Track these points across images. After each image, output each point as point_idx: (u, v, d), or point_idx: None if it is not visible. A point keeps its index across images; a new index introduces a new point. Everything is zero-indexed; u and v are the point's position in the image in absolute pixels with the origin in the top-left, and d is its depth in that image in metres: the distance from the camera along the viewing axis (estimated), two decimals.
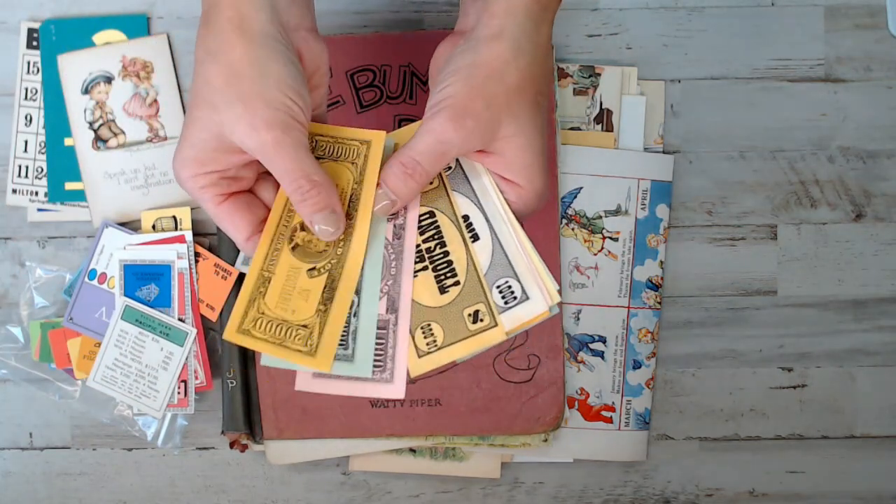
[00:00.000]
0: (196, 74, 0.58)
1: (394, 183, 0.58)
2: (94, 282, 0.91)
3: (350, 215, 0.58)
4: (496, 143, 0.59)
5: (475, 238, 0.58)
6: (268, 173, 0.60)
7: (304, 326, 0.57)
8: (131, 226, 0.92)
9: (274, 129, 0.55)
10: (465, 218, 0.60)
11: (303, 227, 0.58)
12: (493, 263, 0.58)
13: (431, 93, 0.60)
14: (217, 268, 0.91)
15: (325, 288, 0.57)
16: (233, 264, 0.91)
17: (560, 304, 0.91)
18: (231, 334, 0.57)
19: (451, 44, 0.63)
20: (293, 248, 0.59)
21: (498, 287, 0.58)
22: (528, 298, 0.58)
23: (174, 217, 0.92)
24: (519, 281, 0.58)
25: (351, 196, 0.58)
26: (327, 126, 0.62)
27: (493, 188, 0.60)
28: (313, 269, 0.58)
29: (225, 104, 0.55)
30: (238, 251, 0.91)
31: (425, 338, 0.58)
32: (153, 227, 0.91)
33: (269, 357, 0.58)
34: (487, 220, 0.59)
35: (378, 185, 0.59)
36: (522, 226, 0.60)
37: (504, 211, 0.59)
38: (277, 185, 0.61)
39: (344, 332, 0.56)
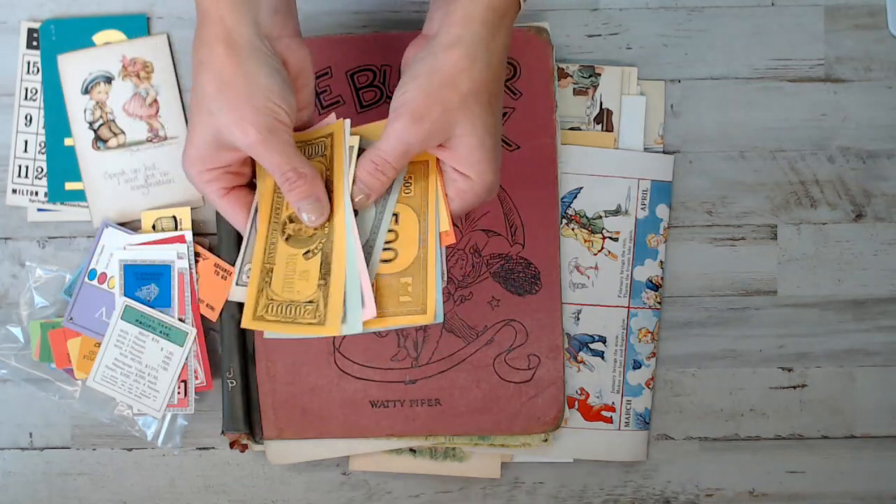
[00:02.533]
0: (193, 83, 0.66)
1: (367, 179, 0.67)
2: (94, 282, 0.91)
3: (329, 199, 0.67)
4: (451, 141, 0.67)
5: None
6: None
7: (311, 302, 0.65)
8: (131, 226, 0.92)
9: (262, 131, 0.63)
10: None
11: (291, 220, 0.67)
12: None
13: (396, 92, 0.67)
14: (217, 268, 0.91)
15: (321, 265, 0.66)
16: (232, 264, 0.91)
17: (562, 305, 0.91)
18: (248, 322, 0.65)
19: (417, 46, 0.69)
20: (286, 239, 0.67)
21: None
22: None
23: (174, 217, 0.92)
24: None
25: (326, 184, 0.67)
26: (295, 134, 0.70)
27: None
28: (308, 252, 0.67)
29: (218, 110, 0.64)
30: (238, 252, 0.91)
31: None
32: (153, 227, 0.92)
33: (273, 333, 0.66)
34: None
35: (354, 182, 0.68)
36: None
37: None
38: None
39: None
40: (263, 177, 0.70)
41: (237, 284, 0.68)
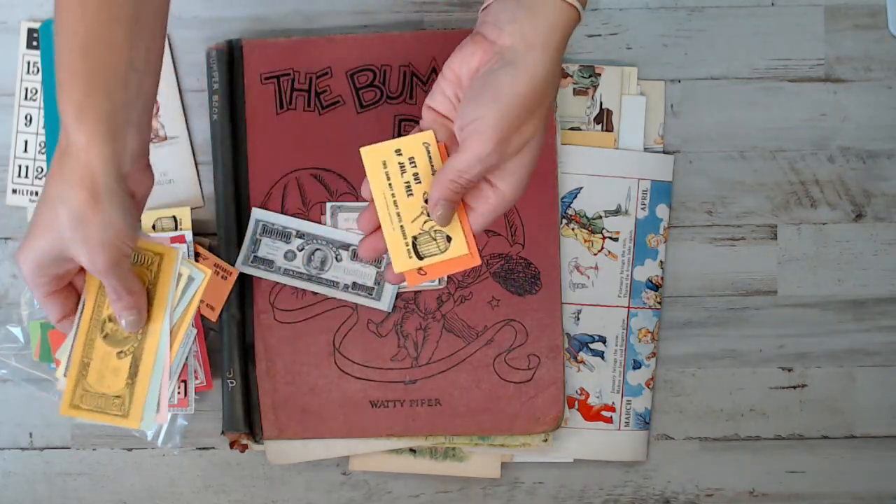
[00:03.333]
0: (46, 203, 0.69)
1: (445, 192, 0.69)
2: None
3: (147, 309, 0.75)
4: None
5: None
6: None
7: (118, 397, 0.75)
8: None
9: (108, 263, 0.69)
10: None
11: (110, 319, 0.74)
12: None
13: (467, 109, 0.68)
14: (217, 268, 0.91)
15: (130, 366, 0.75)
16: (233, 264, 0.91)
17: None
18: (65, 409, 0.75)
19: (481, 50, 0.69)
20: (104, 337, 0.75)
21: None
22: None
23: (174, 217, 0.92)
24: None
25: (147, 293, 0.75)
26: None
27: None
28: (121, 352, 0.75)
29: (70, 240, 0.68)
30: (238, 252, 0.91)
31: None
32: (153, 227, 0.91)
33: (84, 419, 0.76)
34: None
35: (431, 194, 0.70)
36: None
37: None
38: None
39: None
40: (92, 277, 0.75)
41: (63, 375, 0.75)
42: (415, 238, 0.72)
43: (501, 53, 0.68)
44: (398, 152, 0.72)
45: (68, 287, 0.74)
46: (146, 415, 0.76)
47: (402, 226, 0.72)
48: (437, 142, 0.72)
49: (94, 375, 0.77)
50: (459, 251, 0.72)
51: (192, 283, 0.79)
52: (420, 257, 0.72)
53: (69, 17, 0.67)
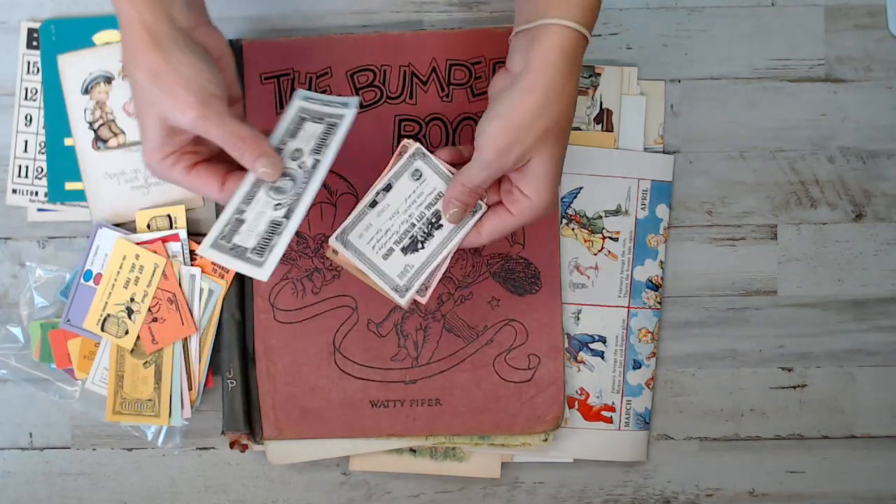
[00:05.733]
0: (131, 82, 0.73)
1: (460, 196, 0.79)
2: (90, 283, 0.91)
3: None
4: (524, 167, 0.77)
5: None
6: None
7: (150, 400, 0.90)
8: (132, 226, 0.92)
9: (197, 108, 0.71)
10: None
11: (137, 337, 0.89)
12: None
13: (481, 124, 0.77)
14: (214, 265, 0.91)
15: (154, 373, 0.90)
16: None
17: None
18: (110, 416, 0.90)
19: (502, 80, 0.78)
20: (131, 352, 0.90)
21: None
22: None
23: (169, 216, 0.92)
24: None
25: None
26: None
27: None
28: (146, 362, 0.90)
29: (158, 98, 0.72)
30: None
31: None
32: (148, 226, 0.91)
33: (125, 422, 0.92)
34: None
35: (444, 195, 0.80)
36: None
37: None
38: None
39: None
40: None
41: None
42: None
43: (512, 78, 0.76)
44: None
45: (208, 161, 0.76)
46: (174, 412, 0.90)
47: None
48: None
49: (129, 384, 0.90)
50: None
51: (212, 296, 0.90)
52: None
53: None
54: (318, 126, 0.79)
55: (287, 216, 0.75)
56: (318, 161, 0.76)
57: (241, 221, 0.75)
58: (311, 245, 0.92)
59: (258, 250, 0.74)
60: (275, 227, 0.75)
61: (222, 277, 0.91)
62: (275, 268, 0.73)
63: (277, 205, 0.75)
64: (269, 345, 0.92)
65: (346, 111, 0.79)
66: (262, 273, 0.74)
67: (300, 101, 0.80)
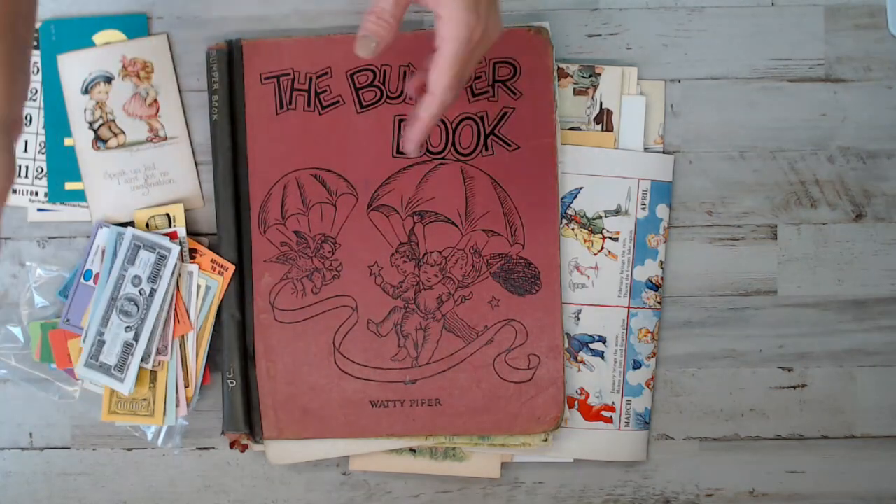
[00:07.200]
0: None
1: (370, 17, 0.73)
2: (90, 283, 0.91)
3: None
4: None
5: None
6: None
7: (144, 400, 0.91)
8: (131, 226, 0.92)
9: None
10: None
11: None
12: None
13: None
14: (214, 263, 0.91)
15: (150, 374, 0.90)
16: (231, 261, 0.91)
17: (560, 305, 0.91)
18: (105, 416, 0.91)
19: None
20: None
21: None
22: None
23: (167, 215, 0.92)
24: None
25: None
26: None
27: None
28: None
29: None
30: (239, 250, 0.91)
31: None
32: (146, 225, 0.91)
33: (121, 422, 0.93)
34: None
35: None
36: None
37: None
38: None
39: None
40: None
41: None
42: None
43: None
44: None
45: None
46: (168, 411, 0.91)
47: None
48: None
49: None
50: None
51: (209, 292, 0.91)
52: None
53: None
54: (151, 255, 0.89)
55: (135, 339, 0.88)
56: (154, 290, 0.88)
57: (102, 342, 0.88)
58: (311, 245, 0.92)
59: (119, 367, 0.89)
60: (128, 348, 0.88)
61: (220, 275, 0.91)
62: (133, 383, 0.89)
63: (127, 327, 0.88)
64: (269, 345, 0.92)
65: (173, 247, 0.89)
66: (123, 388, 0.89)
67: (133, 231, 0.90)
